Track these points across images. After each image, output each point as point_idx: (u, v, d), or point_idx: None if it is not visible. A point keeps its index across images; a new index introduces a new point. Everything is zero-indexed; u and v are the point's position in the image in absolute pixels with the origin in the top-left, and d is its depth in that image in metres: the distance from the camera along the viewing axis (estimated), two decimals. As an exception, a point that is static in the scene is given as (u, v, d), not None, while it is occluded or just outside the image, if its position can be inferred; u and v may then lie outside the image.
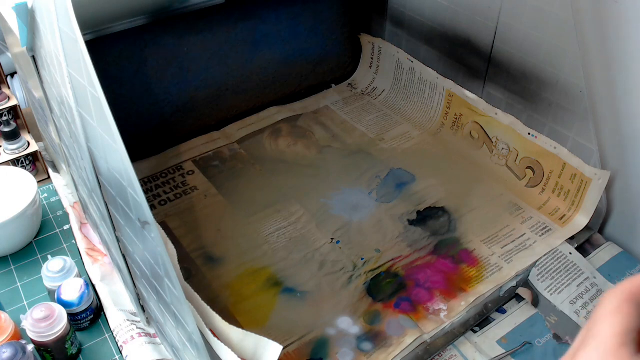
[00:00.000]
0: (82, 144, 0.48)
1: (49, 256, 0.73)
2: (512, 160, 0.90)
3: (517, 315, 0.72)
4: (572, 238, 0.80)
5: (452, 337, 0.69)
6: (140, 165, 0.95)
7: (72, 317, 0.67)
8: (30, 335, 0.62)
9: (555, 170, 0.84)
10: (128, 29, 0.84)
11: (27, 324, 0.62)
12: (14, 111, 0.89)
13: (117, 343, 0.65)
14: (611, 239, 0.81)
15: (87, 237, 0.79)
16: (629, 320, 0.29)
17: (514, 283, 0.75)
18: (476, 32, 0.90)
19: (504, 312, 0.73)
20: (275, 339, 0.51)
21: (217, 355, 0.50)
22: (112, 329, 0.67)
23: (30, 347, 0.60)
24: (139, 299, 0.63)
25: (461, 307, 0.71)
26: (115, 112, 0.39)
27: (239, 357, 0.49)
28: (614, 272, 0.76)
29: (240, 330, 0.52)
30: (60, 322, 0.63)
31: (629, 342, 0.29)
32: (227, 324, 0.53)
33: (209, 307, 0.53)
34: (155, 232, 0.42)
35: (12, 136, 0.88)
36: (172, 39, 0.92)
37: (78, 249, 0.78)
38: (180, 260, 0.60)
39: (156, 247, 0.43)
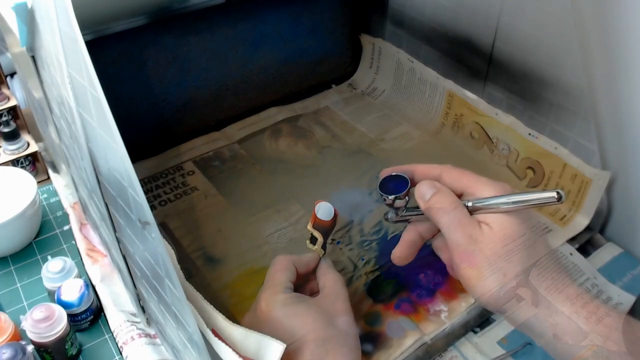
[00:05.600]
0: (82, 144, 0.48)
1: (49, 257, 0.73)
2: (512, 161, 0.90)
3: (518, 315, 0.72)
4: (572, 239, 0.80)
5: (452, 338, 0.69)
6: (140, 166, 0.95)
7: (72, 317, 0.67)
8: (30, 335, 0.62)
9: (556, 170, 0.84)
10: (128, 29, 0.84)
11: (27, 324, 0.62)
12: (13, 111, 0.89)
13: (117, 344, 0.65)
14: (611, 239, 0.81)
15: (87, 237, 0.78)
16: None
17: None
18: (476, 32, 0.90)
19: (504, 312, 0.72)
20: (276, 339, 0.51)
21: (218, 355, 0.50)
22: (112, 330, 0.67)
23: (30, 348, 0.60)
24: (139, 299, 0.63)
25: (462, 307, 0.71)
26: (115, 112, 0.39)
27: (241, 355, 0.49)
28: (614, 273, 0.76)
29: (242, 328, 0.52)
30: (60, 323, 0.63)
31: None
32: (229, 322, 0.53)
33: (211, 306, 0.53)
34: (156, 232, 0.42)
35: (11, 136, 0.88)
36: (172, 39, 0.92)
37: (78, 249, 0.78)
38: (180, 261, 0.60)
39: (156, 248, 0.43)
